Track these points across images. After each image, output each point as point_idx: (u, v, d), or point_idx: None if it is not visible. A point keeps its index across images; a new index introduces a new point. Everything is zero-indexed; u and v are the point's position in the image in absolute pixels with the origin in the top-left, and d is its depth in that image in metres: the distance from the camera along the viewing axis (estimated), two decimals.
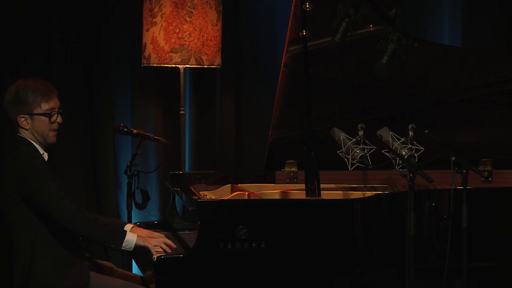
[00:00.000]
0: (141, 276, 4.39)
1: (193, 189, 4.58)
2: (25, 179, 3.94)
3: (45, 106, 4.04)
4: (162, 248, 4.03)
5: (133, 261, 4.90)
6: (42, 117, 4.04)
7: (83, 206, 4.37)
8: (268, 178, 4.98)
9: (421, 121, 4.59)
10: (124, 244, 4.00)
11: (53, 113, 4.06)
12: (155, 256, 3.97)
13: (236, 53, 6.08)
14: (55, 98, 4.08)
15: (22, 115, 4.02)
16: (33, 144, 4.05)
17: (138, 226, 4.66)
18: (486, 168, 5.00)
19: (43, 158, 4.06)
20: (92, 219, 3.99)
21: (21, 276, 3.99)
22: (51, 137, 4.09)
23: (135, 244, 4.01)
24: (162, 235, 4.17)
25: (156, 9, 5.50)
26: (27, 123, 4.03)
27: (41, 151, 4.08)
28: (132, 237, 4.01)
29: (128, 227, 4.15)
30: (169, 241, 4.08)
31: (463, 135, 5.01)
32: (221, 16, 5.61)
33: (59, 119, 4.09)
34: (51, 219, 3.95)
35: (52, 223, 3.96)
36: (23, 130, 4.05)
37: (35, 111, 4.03)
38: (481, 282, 5.31)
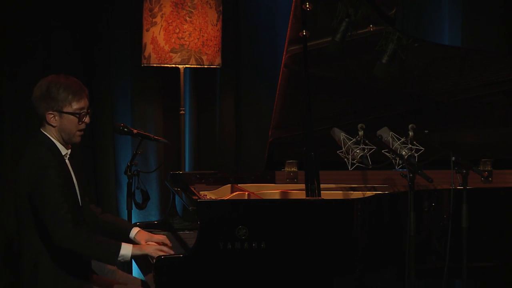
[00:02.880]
0: (141, 280, 4.38)
1: (193, 189, 4.58)
2: (34, 188, 3.90)
3: (75, 106, 4.00)
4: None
5: (133, 262, 4.90)
6: (71, 117, 3.99)
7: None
8: (268, 178, 4.98)
9: (421, 121, 4.59)
10: (119, 259, 3.96)
11: (82, 113, 4.02)
12: (155, 257, 3.97)
13: (236, 53, 6.08)
14: (86, 98, 4.03)
15: (51, 112, 3.98)
16: (55, 145, 4.01)
17: (138, 225, 4.67)
18: (486, 168, 5.00)
19: (61, 166, 3.98)
20: (86, 238, 3.91)
21: (28, 281, 3.98)
22: (77, 136, 4.05)
23: (131, 255, 3.97)
24: (163, 237, 4.18)
25: (156, 9, 5.50)
26: (55, 120, 3.99)
27: (64, 151, 4.04)
28: (126, 251, 3.95)
29: (134, 231, 4.18)
30: (165, 248, 4.05)
31: (463, 135, 5.01)
32: (221, 16, 5.61)
33: (87, 120, 4.05)
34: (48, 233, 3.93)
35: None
36: (49, 127, 4.01)
37: (65, 110, 3.98)
38: (481, 282, 5.31)
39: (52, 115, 3.98)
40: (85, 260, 4.07)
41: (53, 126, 4.00)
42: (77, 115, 4.00)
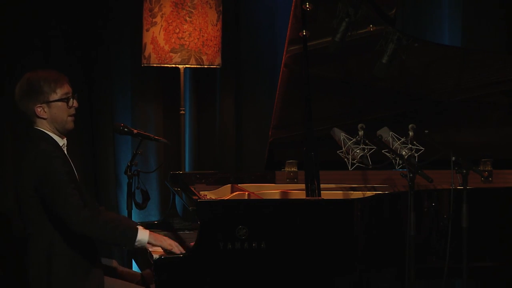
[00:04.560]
0: (140, 274, 4.39)
1: (193, 189, 4.58)
2: (43, 180, 3.92)
3: (60, 92, 4.03)
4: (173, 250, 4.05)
5: (133, 261, 4.90)
6: (60, 103, 4.03)
7: (93, 203, 4.32)
8: (268, 178, 4.98)
9: (421, 121, 4.60)
10: (136, 244, 4.00)
11: (69, 97, 4.05)
12: (155, 256, 3.97)
13: (236, 53, 6.08)
14: (67, 83, 4.06)
15: (39, 105, 4.00)
16: (51, 137, 4.03)
17: (139, 225, 4.68)
18: (486, 168, 5.00)
19: (63, 156, 4.02)
20: (103, 222, 3.95)
21: (41, 276, 3.97)
22: (70, 122, 4.07)
23: (147, 242, 4.00)
24: (174, 242, 4.19)
25: (156, 9, 5.50)
26: (45, 112, 4.01)
27: (61, 142, 4.06)
28: (143, 236, 3.99)
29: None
30: (177, 247, 4.08)
31: (463, 135, 5.01)
32: (221, 16, 5.61)
33: (75, 103, 4.08)
34: (63, 222, 3.94)
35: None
36: (41, 121, 4.03)
37: (52, 98, 4.01)
38: (481, 282, 5.32)
39: (41, 108, 4.01)
40: (93, 250, 4.08)
41: (44, 119, 4.03)
42: (65, 100, 4.04)
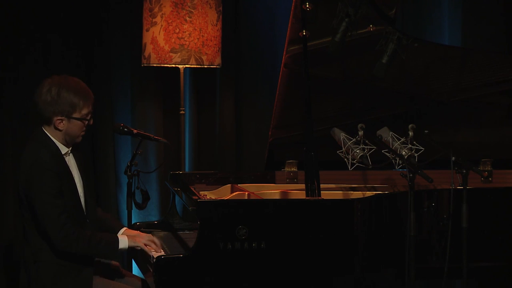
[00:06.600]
0: (141, 279, 4.38)
1: (193, 189, 4.58)
2: (30, 189, 3.91)
3: (84, 111, 4.01)
4: (153, 247, 4.09)
5: (133, 261, 4.90)
6: (79, 122, 4.01)
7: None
8: (268, 178, 4.98)
9: (421, 121, 4.60)
10: (118, 252, 4.07)
11: (88, 117, 4.04)
12: (154, 256, 3.97)
13: (236, 53, 6.08)
14: (92, 103, 4.04)
15: (60, 117, 3.97)
16: (55, 145, 4.01)
17: (138, 225, 4.69)
18: (486, 168, 5.00)
19: (61, 168, 3.98)
20: (84, 241, 3.94)
21: (27, 281, 3.97)
22: (80, 137, 4.07)
23: (127, 247, 4.06)
24: (149, 235, 4.22)
25: (156, 9, 5.50)
26: (63, 124, 3.99)
27: (64, 150, 4.04)
28: (124, 244, 4.04)
29: (121, 231, 4.24)
30: (156, 240, 4.12)
31: (463, 135, 5.01)
32: (221, 16, 5.61)
33: (91, 122, 4.08)
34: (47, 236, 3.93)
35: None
36: (54, 129, 4.00)
37: (74, 115, 3.98)
38: (481, 282, 5.32)
39: (60, 120, 3.98)
40: (82, 259, 4.08)
41: (60, 130, 4.00)
42: (86, 121, 4.02)
